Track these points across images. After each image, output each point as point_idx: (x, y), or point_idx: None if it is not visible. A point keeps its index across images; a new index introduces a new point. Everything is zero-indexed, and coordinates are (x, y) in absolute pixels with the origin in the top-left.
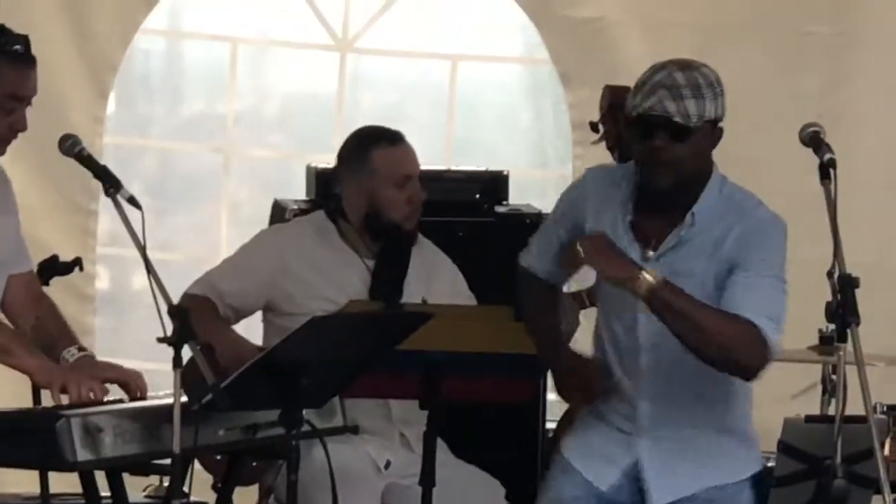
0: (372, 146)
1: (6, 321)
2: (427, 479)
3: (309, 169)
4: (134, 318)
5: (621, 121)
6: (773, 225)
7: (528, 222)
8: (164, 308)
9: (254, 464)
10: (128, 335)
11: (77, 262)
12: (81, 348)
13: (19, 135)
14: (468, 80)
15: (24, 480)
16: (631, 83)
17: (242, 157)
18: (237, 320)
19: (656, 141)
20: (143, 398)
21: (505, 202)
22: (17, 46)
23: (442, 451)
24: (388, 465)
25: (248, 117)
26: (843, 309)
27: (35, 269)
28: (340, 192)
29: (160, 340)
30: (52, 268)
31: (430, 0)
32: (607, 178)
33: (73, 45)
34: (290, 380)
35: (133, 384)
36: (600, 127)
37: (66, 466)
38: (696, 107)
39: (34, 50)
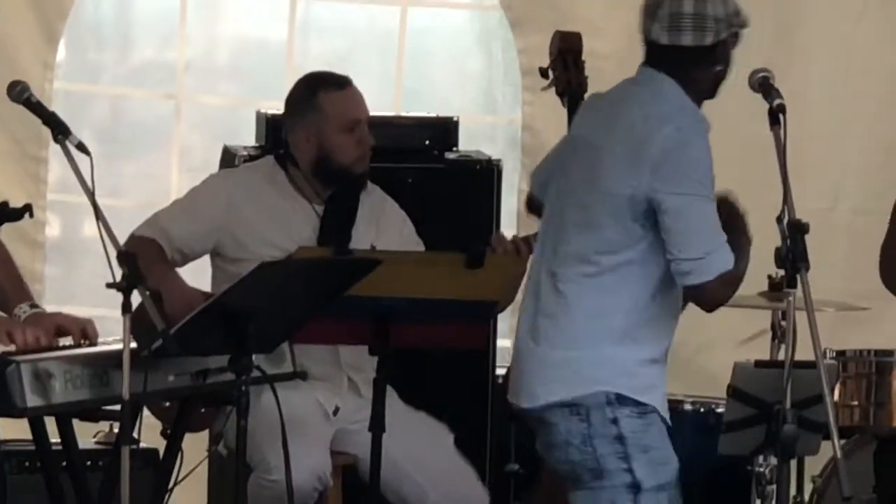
0: (319, 91)
1: None
2: (377, 424)
3: (259, 115)
4: (84, 264)
5: (571, 66)
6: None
7: (478, 168)
8: (113, 254)
9: (203, 410)
10: (78, 282)
11: (27, 209)
12: (34, 305)
13: None
14: (418, 26)
15: None
16: (581, 28)
17: (193, 104)
18: (184, 263)
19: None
20: (93, 345)
21: (455, 148)
22: None
23: (391, 396)
24: (336, 410)
25: (199, 64)
26: (793, 254)
27: None
28: (288, 139)
29: (109, 286)
30: (2, 214)
31: None
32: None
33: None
34: (240, 326)
35: (82, 331)
36: (550, 73)
37: (15, 412)
38: None
39: None
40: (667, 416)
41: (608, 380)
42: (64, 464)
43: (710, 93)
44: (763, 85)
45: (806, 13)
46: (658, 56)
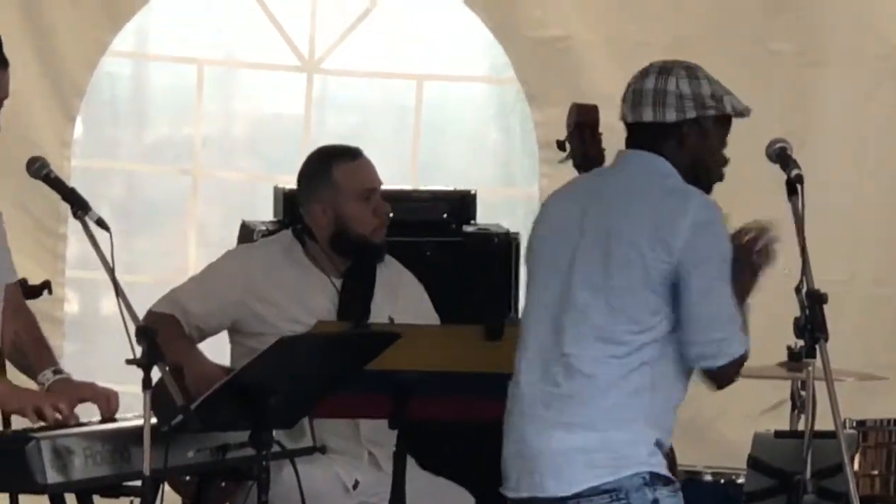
0: (332, 163)
1: None
2: (397, 498)
3: (276, 190)
4: (103, 341)
5: (588, 139)
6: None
7: (496, 241)
8: (132, 331)
9: (223, 484)
10: (97, 358)
11: (46, 286)
12: (57, 371)
13: None
14: (434, 100)
15: None
16: (597, 101)
17: (210, 179)
18: (201, 340)
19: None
20: (113, 419)
21: (473, 222)
22: None
23: (411, 466)
24: (356, 484)
25: (216, 139)
26: (812, 324)
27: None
28: (305, 212)
29: (129, 362)
30: (30, 291)
31: (395, 21)
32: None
33: (39, 68)
34: (259, 400)
35: (106, 403)
36: (567, 145)
37: (36, 489)
38: None
39: None
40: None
41: (644, 459)
42: None
43: (689, 176)
44: (780, 155)
45: (822, 83)
46: (628, 136)
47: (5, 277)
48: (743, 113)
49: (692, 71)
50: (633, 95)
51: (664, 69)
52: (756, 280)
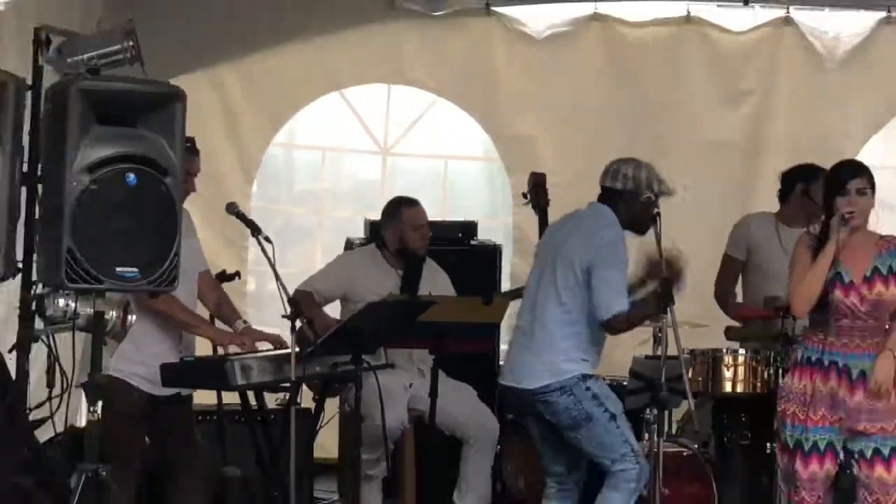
0: (401, 207)
1: (190, 313)
2: (433, 392)
3: (366, 221)
4: (269, 306)
5: (539, 192)
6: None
7: (488, 250)
8: (286, 300)
9: (336, 385)
10: (266, 316)
11: (237, 274)
12: (245, 321)
13: (202, 198)
14: (455, 168)
15: (206, 398)
16: (547, 172)
17: (328, 216)
18: (325, 305)
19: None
20: (279, 349)
21: (475, 238)
22: (188, 143)
23: (441, 375)
24: (410, 385)
25: (332, 192)
26: (664, 296)
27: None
28: (383, 234)
29: (284, 317)
30: (222, 277)
31: (429, 123)
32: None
33: (231, 148)
34: (355, 337)
35: (275, 341)
36: (527, 196)
37: (231, 388)
38: None
39: (207, 153)
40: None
41: (576, 369)
42: (259, 418)
43: (629, 224)
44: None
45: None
46: (600, 193)
47: (199, 267)
48: (665, 193)
49: (640, 163)
50: (606, 170)
51: (626, 160)
52: (658, 307)
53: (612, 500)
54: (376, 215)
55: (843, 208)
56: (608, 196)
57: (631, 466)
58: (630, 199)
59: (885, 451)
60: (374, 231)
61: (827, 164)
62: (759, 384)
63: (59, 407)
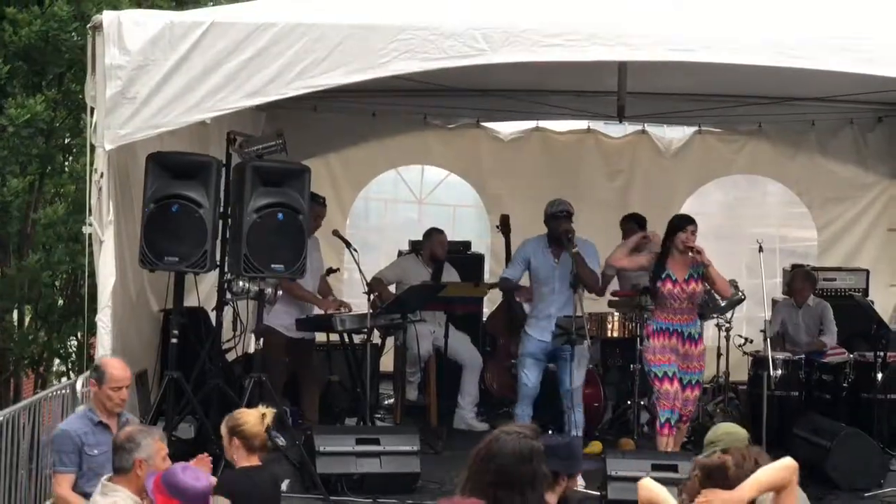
0: (432, 233)
1: (308, 292)
2: (446, 336)
3: (410, 242)
4: (356, 288)
5: (507, 224)
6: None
7: (476, 257)
8: (364, 284)
9: (392, 330)
10: (354, 293)
11: (337, 269)
12: (335, 298)
13: (323, 228)
14: (461, 213)
15: (321, 337)
16: (510, 214)
17: (388, 237)
18: (388, 285)
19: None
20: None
21: (469, 251)
22: (321, 199)
23: (451, 327)
24: (433, 332)
25: (391, 225)
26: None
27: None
28: (422, 247)
29: (364, 293)
30: (330, 270)
31: (450, 186)
32: (537, 240)
33: (335, 202)
34: (403, 304)
35: (348, 307)
36: (499, 227)
37: (335, 331)
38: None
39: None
40: (539, 337)
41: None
42: (350, 348)
43: (553, 237)
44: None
45: None
46: None
47: (321, 271)
48: (552, 213)
49: (555, 200)
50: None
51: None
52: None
53: None
54: (415, 237)
55: (683, 240)
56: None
57: None
58: (549, 219)
59: (694, 381)
60: (413, 246)
61: (665, 215)
62: (626, 333)
63: (238, 342)
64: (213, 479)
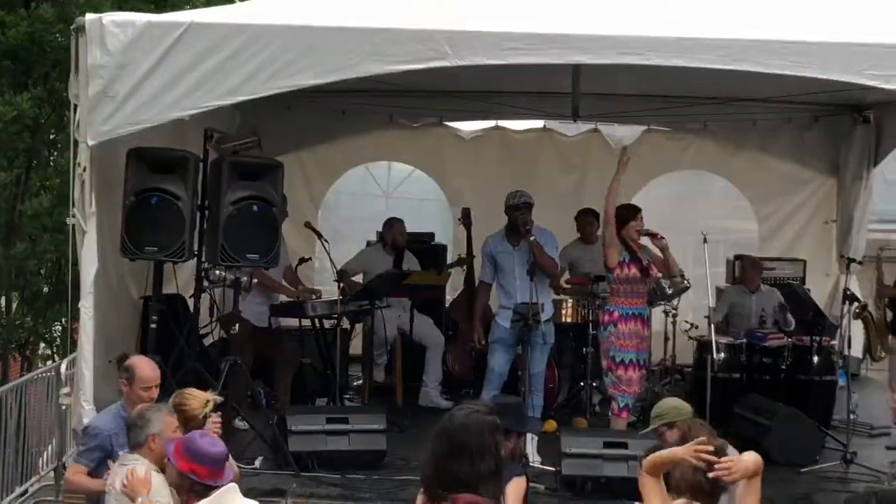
0: (392, 223)
1: (277, 282)
2: (411, 320)
3: (377, 233)
4: (326, 276)
5: (468, 218)
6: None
7: (439, 247)
8: (334, 273)
9: (360, 315)
10: (325, 281)
11: (309, 259)
12: (303, 285)
13: (296, 220)
14: (426, 206)
15: (293, 323)
16: (470, 207)
17: (357, 228)
18: (355, 275)
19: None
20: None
21: (433, 241)
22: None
23: (416, 311)
24: (399, 316)
25: (360, 217)
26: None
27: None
28: (384, 236)
29: (334, 281)
30: (302, 260)
31: (415, 181)
32: (496, 234)
33: (308, 195)
34: (371, 292)
35: (318, 294)
36: (460, 220)
37: (307, 316)
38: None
39: (295, 197)
40: (505, 324)
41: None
42: (321, 332)
43: (511, 227)
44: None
45: None
46: None
47: (285, 262)
48: (513, 204)
49: (516, 191)
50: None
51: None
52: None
53: None
54: (382, 228)
55: (638, 228)
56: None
57: None
58: (508, 211)
59: (643, 360)
60: (380, 236)
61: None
62: (579, 318)
63: (214, 328)
64: (225, 446)
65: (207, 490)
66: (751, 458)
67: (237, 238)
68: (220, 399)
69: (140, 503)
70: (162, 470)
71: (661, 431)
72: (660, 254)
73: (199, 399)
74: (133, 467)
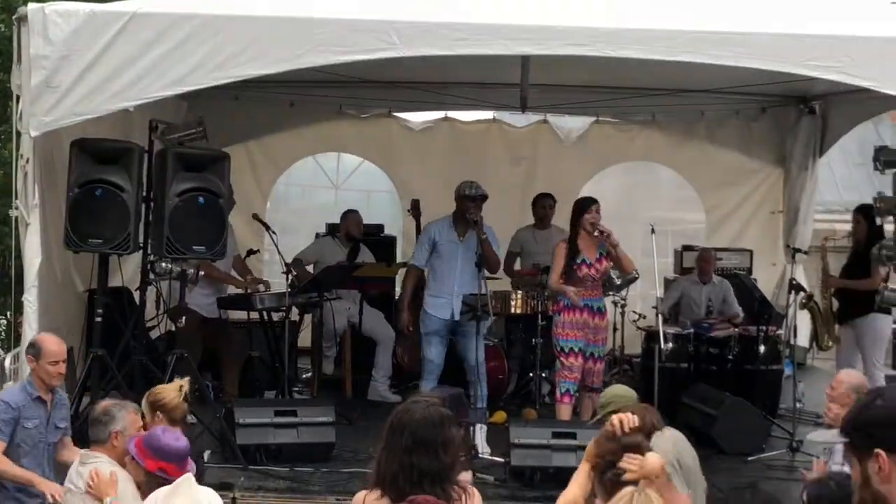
0: (347, 215)
1: (226, 274)
2: (361, 312)
3: (327, 225)
4: (275, 268)
5: (417, 208)
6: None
7: (389, 239)
8: (283, 265)
9: (310, 307)
10: (273, 273)
11: (258, 251)
12: (253, 277)
13: (243, 212)
14: (375, 199)
15: (242, 315)
16: (420, 198)
17: (306, 221)
18: (307, 265)
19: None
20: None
21: (383, 233)
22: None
23: (365, 304)
24: (349, 308)
25: (309, 208)
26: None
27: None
28: (340, 228)
29: (283, 273)
30: (250, 252)
31: (364, 172)
32: (441, 221)
33: (256, 187)
34: (320, 284)
35: (266, 285)
36: (410, 211)
37: (255, 309)
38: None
39: (242, 188)
40: (439, 315)
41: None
42: (269, 325)
43: (459, 215)
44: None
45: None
46: None
47: (233, 252)
48: (469, 195)
49: (471, 182)
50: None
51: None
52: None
53: None
54: (332, 220)
55: (591, 220)
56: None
57: None
58: (458, 202)
59: (599, 353)
60: (330, 229)
61: (565, 199)
62: (528, 309)
63: (161, 321)
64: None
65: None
66: (656, 462)
67: (183, 230)
68: (189, 380)
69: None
70: (123, 466)
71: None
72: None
73: (171, 389)
74: (96, 467)
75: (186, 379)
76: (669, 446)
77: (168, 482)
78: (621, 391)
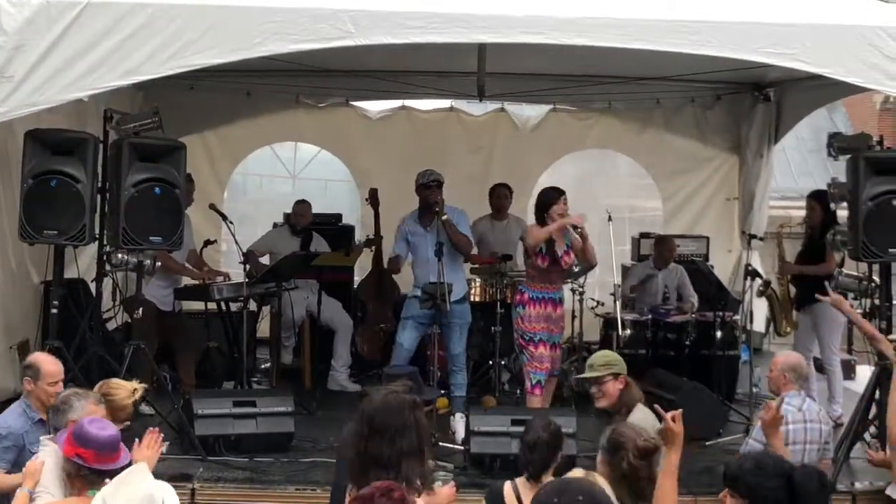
0: (297, 204)
1: (181, 265)
2: (319, 302)
3: (284, 215)
4: (233, 259)
5: (374, 198)
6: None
7: (347, 228)
8: (240, 255)
9: (268, 297)
10: (231, 264)
11: (214, 241)
12: (209, 268)
13: (200, 202)
14: (333, 189)
15: (199, 306)
16: (378, 188)
17: (263, 210)
18: (261, 257)
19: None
20: (226, 280)
21: (341, 222)
22: (189, 176)
23: (324, 294)
24: (307, 298)
25: (266, 199)
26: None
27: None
28: (290, 218)
29: (240, 263)
30: (207, 242)
31: (322, 161)
32: (409, 216)
33: (213, 177)
34: (277, 272)
35: (225, 276)
36: (368, 200)
37: (212, 300)
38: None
39: (200, 178)
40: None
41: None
42: (227, 315)
43: (423, 207)
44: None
45: None
46: None
47: (190, 245)
48: (423, 182)
49: (425, 170)
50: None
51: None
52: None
53: None
54: (290, 210)
55: (559, 212)
56: None
57: None
58: (417, 189)
59: (558, 341)
60: (287, 218)
61: (523, 187)
62: (487, 297)
63: (118, 312)
64: (116, 430)
65: (98, 476)
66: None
67: (139, 221)
68: (145, 387)
69: (19, 494)
70: None
71: (605, 380)
72: (580, 241)
73: (125, 389)
74: (36, 457)
75: (142, 385)
76: (651, 417)
77: (85, 469)
78: (610, 356)
